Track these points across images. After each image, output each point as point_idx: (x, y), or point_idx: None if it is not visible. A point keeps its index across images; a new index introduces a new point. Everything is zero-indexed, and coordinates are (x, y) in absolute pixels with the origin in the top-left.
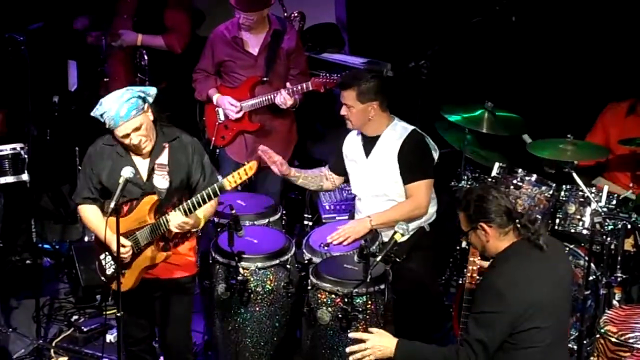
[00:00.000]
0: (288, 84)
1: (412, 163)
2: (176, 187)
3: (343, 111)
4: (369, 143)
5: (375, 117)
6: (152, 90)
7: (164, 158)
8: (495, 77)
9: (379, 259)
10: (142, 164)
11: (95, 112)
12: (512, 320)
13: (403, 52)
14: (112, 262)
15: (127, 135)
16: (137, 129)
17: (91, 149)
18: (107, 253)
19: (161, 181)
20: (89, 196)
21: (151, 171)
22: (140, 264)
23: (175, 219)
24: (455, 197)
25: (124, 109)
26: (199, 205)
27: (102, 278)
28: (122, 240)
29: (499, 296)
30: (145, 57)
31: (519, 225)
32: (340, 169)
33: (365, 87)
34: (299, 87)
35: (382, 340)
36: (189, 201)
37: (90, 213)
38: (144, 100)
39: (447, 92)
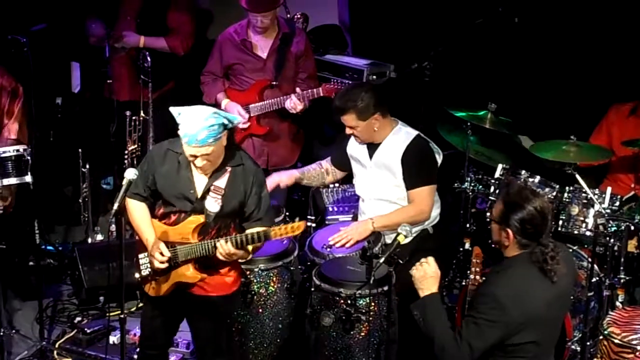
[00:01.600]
0: (298, 89)
1: (415, 169)
2: (227, 212)
3: (348, 131)
4: (373, 147)
5: (380, 126)
6: (237, 120)
7: (222, 181)
8: (498, 78)
9: (382, 260)
10: (201, 181)
11: (175, 112)
12: (507, 332)
13: (406, 54)
14: (148, 265)
15: (195, 157)
16: (206, 155)
17: (155, 149)
18: (146, 254)
19: (213, 204)
20: (140, 193)
21: (206, 191)
22: (174, 277)
23: (224, 249)
24: (506, 188)
25: (203, 133)
26: (247, 244)
27: (137, 276)
28: (163, 248)
29: (499, 307)
30: (149, 59)
31: (538, 252)
32: (342, 164)
33: (362, 106)
34: (310, 93)
35: (423, 280)
36: (237, 236)
37: (136, 208)
38: (225, 127)
39: (450, 94)
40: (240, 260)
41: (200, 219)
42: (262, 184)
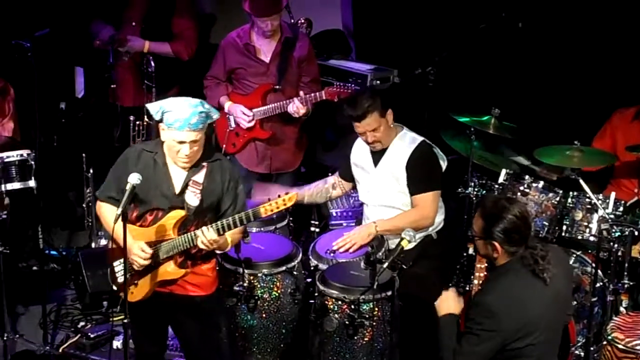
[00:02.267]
0: (301, 93)
1: (419, 174)
2: (206, 207)
3: (370, 138)
4: (377, 153)
5: (391, 125)
6: (216, 115)
7: (200, 176)
8: (502, 83)
9: (385, 265)
10: (178, 178)
11: (156, 106)
12: (503, 340)
13: (409, 59)
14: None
15: (183, 142)
16: (194, 142)
17: (129, 151)
18: (121, 261)
19: (192, 198)
20: (113, 196)
21: (185, 186)
22: (155, 277)
23: (206, 236)
24: (482, 202)
25: (196, 118)
26: (234, 227)
27: (113, 286)
28: (144, 246)
29: (491, 315)
30: (152, 64)
31: (527, 256)
32: (349, 176)
33: (379, 102)
34: (312, 96)
35: (441, 305)
36: (223, 221)
37: (109, 213)
38: (208, 118)
39: (453, 99)
40: (243, 264)
41: (181, 212)
42: (238, 181)
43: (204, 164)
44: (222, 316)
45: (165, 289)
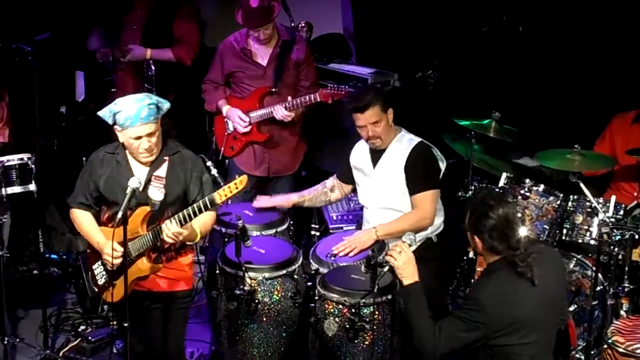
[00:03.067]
0: (289, 98)
1: (418, 174)
2: (171, 201)
3: (371, 132)
4: (376, 154)
5: (391, 125)
6: (166, 105)
7: (162, 170)
8: (502, 87)
9: (386, 269)
10: (140, 174)
11: (106, 112)
12: (487, 333)
13: (410, 63)
14: (104, 272)
15: (139, 138)
16: (151, 134)
17: (93, 156)
18: (99, 263)
19: (156, 193)
20: (83, 202)
21: (147, 182)
22: (130, 275)
23: (169, 229)
24: (473, 196)
25: (144, 111)
26: (194, 216)
27: (95, 288)
28: (116, 245)
29: (480, 308)
30: (153, 68)
31: (510, 255)
32: (348, 178)
33: (381, 97)
34: (307, 99)
35: (407, 266)
36: (183, 211)
37: (83, 218)
38: (159, 110)
39: (454, 102)
40: (243, 268)
41: (146, 209)
42: (202, 170)
43: (165, 157)
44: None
45: (144, 288)
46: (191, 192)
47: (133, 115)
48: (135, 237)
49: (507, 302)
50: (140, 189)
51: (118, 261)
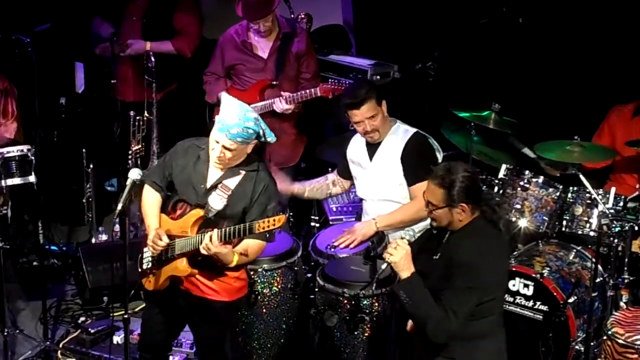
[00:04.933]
0: (287, 94)
1: (415, 164)
2: (231, 214)
3: (369, 127)
4: (372, 147)
5: (386, 116)
6: (270, 138)
7: (233, 182)
8: (502, 78)
9: (384, 266)
10: (212, 176)
11: (222, 102)
12: (482, 293)
13: (410, 54)
14: (150, 259)
15: (217, 143)
16: (227, 149)
17: (181, 143)
18: (147, 249)
19: (217, 201)
20: (156, 182)
21: (214, 187)
22: (167, 271)
23: (208, 239)
24: (431, 170)
25: (237, 129)
26: (233, 237)
27: (139, 269)
28: (162, 234)
29: (472, 271)
30: (153, 59)
31: (486, 208)
32: (347, 174)
33: (374, 91)
34: (307, 93)
35: (404, 261)
36: (226, 228)
37: (149, 196)
38: (258, 137)
39: (453, 94)
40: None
41: (200, 212)
42: (272, 198)
43: (242, 171)
44: (235, 324)
45: (182, 287)
46: (251, 213)
47: (226, 123)
48: (183, 236)
49: (492, 259)
50: (206, 190)
51: (158, 249)
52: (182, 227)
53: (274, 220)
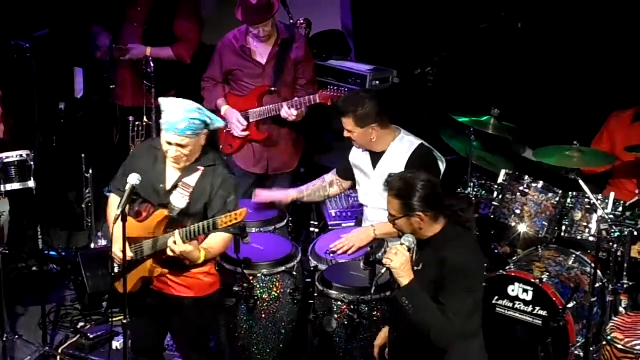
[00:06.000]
0: (295, 99)
1: None
2: (194, 212)
3: (346, 134)
4: (376, 155)
5: (378, 137)
6: (218, 123)
7: (192, 179)
8: (501, 84)
9: (383, 271)
10: (172, 176)
11: (162, 102)
12: (478, 292)
13: (409, 59)
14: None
15: (170, 144)
16: (181, 146)
17: (138, 147)
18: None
19: (179, 199)
20: (120, 189)
21: (174, 187)
22: (138, 273)
23: (172, 241)
24: (389, 185)
25: (183, 124)
26: (196, 234)
27: (112, 273)
28: (123, 247)
29: (467, 273)
30: (152, 65)
31: (450, 213)
32: (347, 175)
33: (362, 113)
34: (306, 100)
35: (404, 267)
36: (188, 227)
37: (113, 207)
38: (206, 126)
39: (453, 99)
40: (242, 265)
41: (165, 212)
42: (231, 191)
43: (200, 167)
44: (213, 320)
45: (154, 287)
46: (211, 208)
47: (172, 122)
48: (149, 237)
49: (479, 258)
50: (166, 189)
51: (119, 262)
52: (148, 229)
53: (236, 214)
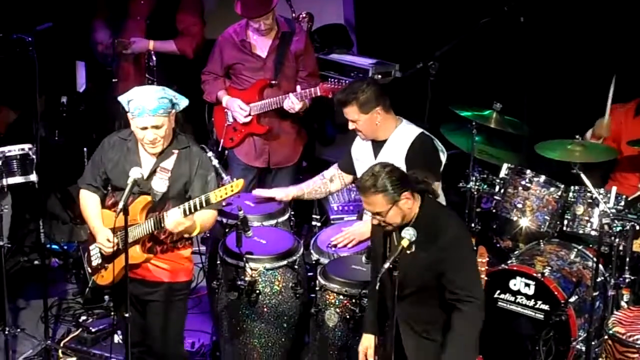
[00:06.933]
0: (298, 88)
1: (419, 166)
2: (174, 194)
3: (351, 126)
4: (377, 146)
5: (382, 121)
6: (184, 102)
7: (169, 163)
8: (503, 78)
9: (386, 266)
10: (147, 163)
11: (123, 98)
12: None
13: (411, 53)
14: (99, 255)
15: (145, 129)
16: (157, 127)
17: (106, 139)
18: (95, 244)
19: (160, 184)
20: (91, 183)
21: (153, 173)
22: (122, 261)
23: (173, 217)
24: (358, 184)
25: (154, 103)
26: (194, 210)
27: (88, 268)
28: (108, 234)
29: (461, 241)
30: (154, 58)
31: (419, 186)
32: (349, 169)
33: (364, 98)
34: (307, 92)
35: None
36: (189, 202)
37: (88, 200)
38: (174, 105)
39: (455, 93)
40: (244, 259)
41: (147, 198)
42: (209, 169)
43: (175, 150)
44: (187, 307)
45: (136, 275)
46: (193, 188)
47: (142, 105)
48: (132, 224)
49: (458, 219)
50: (145, 177)
51: (110, 250)
52: (130, 216)
53: (231, 186)
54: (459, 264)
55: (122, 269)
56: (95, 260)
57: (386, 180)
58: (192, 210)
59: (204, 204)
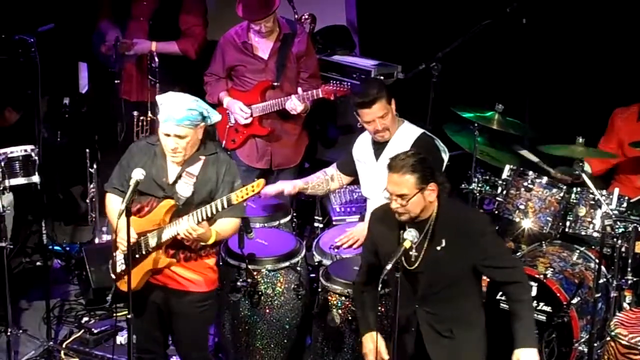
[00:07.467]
0: (300, 90)
1: None
2: (198, 200)
3: (380, 125)
4: (379, 146)
5: (393, 115)
6: (216, 117)
7: (195, 168)
8: (505, 79)
9: (388, 267)
10: (173, 168)
11: (159, 98)
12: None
13: (413, 55)
14: (123, 261)
15: (168, 135)
16: (180, 137)
17: (134, 145)
18: (120, 251)
19: (185, 188)
20: (118, 187)
21: (178, 177)
22: (144, 266)
23: (184, 224)
24: (393, 161)
25: (181, 113)
26: (210, 214)
27: (112, 275)
28: (132, 233)
29: (486, 226)
30: (156, 60)
31: (441, 179)
32: (348, 170)
33: (385, 90)
34: (309, 94)
35: None
36: (201, 209)
37: (114, 204)
38: (204, 119)
39: (457, 95)
40: (246, 260)
41: (171, 202)
42: (235, 176)
43: (202, 157)
44: (213, 318)
45: (158, 282)
46: (219, 194)
47: (169, 112)
48: (156, 228)
49: (474, 208)
50: (170, 182)
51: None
52: (154, 220)
53: (252, 186)
54: (498, 250)
55: (146, 273)
56: (120, 267)
57: (421, 164)
58: (209, 215)
59: (225, 206)
